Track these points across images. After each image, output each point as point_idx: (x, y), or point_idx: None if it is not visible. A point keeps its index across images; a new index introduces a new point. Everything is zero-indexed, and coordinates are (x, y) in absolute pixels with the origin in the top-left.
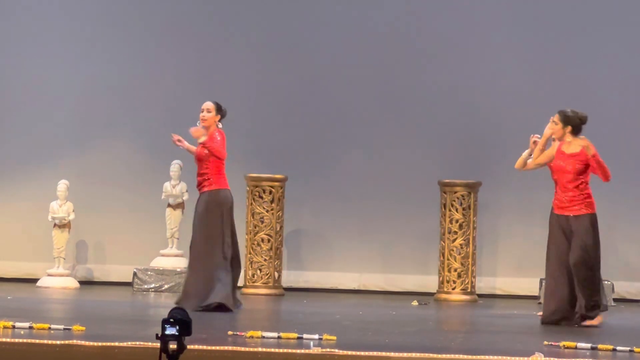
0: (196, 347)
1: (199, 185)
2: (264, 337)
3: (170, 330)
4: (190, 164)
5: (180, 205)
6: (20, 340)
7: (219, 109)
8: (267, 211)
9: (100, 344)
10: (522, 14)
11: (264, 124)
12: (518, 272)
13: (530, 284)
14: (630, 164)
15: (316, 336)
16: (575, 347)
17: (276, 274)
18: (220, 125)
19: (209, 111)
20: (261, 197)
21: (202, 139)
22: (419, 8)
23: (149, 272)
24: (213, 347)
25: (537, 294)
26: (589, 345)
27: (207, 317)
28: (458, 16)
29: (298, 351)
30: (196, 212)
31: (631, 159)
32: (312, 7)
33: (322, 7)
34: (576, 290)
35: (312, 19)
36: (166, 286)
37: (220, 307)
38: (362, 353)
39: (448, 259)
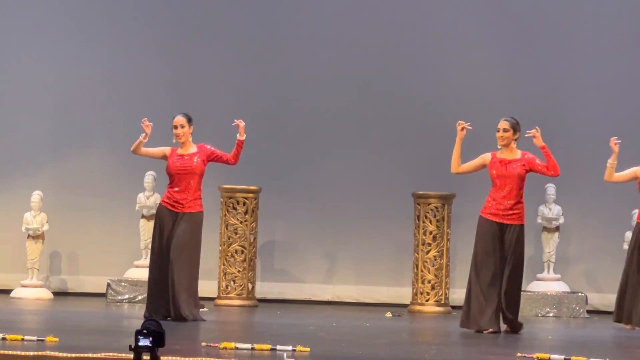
0: (169, 358)
1: (194, 202)
2: (237, 348)
3: (144, 342)
4: (163, 175)
5: (154, 217)
6: None
7: (191, 120)
8: (241, 222)
9: (73, 355)
10: (497, 27)
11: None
12: None
13: None
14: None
15: (290, 347)
16: (549, 359)
17: (250, 286)
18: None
19: (182, 126)
20: (235, 209)
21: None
22: (395, 21)
23: (123, 283)
24: (186, 359)
25: None
26: (562, 357)
27: (180, 328)
28: (433, 30)
29: None
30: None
31: (603, 172)
32: (288, 18)
33: (298, 18)
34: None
35: (288, 31)
36: (140, 297)
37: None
38: None
39: (422, 271)
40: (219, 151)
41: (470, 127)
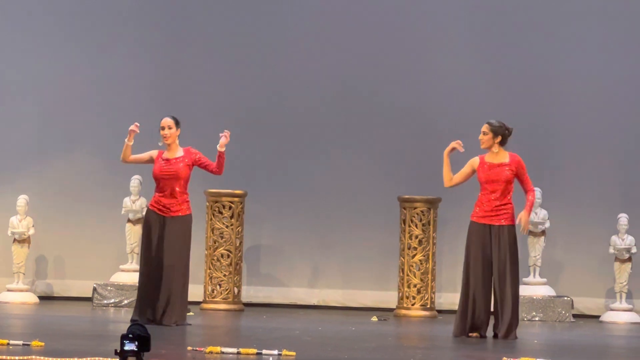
0: None
1: (182, 205)
2: (223, 352)
3: (129, 346)
4: (149, 179)
5: (140, 221)
6: None
7: (178, 123)
8: (227, 227)
9: (59, 359)
10: (481, 32)
11: None
12: None
13: None
14: (589, 181)
15: (275, 352)
16: None
17: (236, 290)
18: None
19: (169, 127)
20: (221, 213)
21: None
22: (381, 25)
23: (109, 287)
24: None
25: None
26: None
27: (166, 332)
28: (418, 35)
29: None
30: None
31: (590, 177)
32: (274, 21)
33: (285, 22)
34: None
35: (274, 35)
36: (126, 301)
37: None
38: None
39: (408, 275)
40: (205, 158)
41: (463, 150)
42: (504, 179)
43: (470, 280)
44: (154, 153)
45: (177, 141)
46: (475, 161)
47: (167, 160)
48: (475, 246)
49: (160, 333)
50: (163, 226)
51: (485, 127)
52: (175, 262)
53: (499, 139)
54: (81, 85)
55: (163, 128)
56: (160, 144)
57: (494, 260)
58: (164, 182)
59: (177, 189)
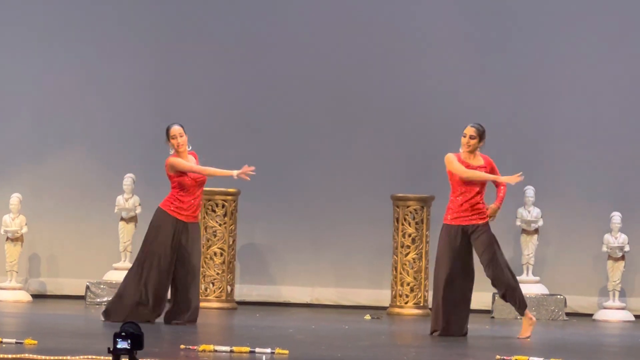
0: None
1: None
2: (216, 351)
3: (122, 344)
4: (143, 177)
5: (133, 219)
6: None
7: (184, 130)
8: (220, 225)
9: (52, 357)
10: (472, 31)
11: (216, 138)
12: None
13: (482, 297)
14: (582, 180)
15: (268, 350)
16: None
17: (229, 288)
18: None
19: (181, 135)
20: (214, 211)
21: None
22: (371, 26)
23: (102, 286)
24: None
25: (490, 308)
26: (541, 359)
27: (159, 330)
28: (410, 33)
29: None
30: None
31: (583, 175)
32: (266, 22)
33: (277, 22)
34: None
35: (267, 35)
36: None
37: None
38: None
39: (401, 273)
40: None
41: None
42: (481, 181)
43: (439, 285)
44: (177, 156)
45: (187, 147)
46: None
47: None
48: (448, 249)
49: (153, 331)
50: (180, 232)
51: (473, 131)
52: (197, 269)
53: (482, 143)
54: (75, 84)
55: (175, 137)
56: (171, 151)
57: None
58: (194, 188)
59: (201, 193)
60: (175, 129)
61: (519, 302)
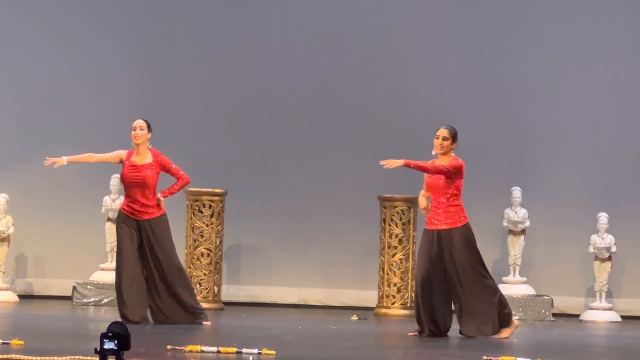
0: None
1: (152, 208)
2: (203, 351)
3: (109, 345)
4: None
5: None
6: None
7: (150, 127)
8: (207, 225)
9: (39, 358)
10: (459, 32)
11: (204, 139)
12: None
13: None
14: (569, 181)
15: (255, 351)
16: None
17: (216, 288)
18: (150, 145)
19: (141, 129)
20: (201, 212)
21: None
22: (357, 29)
23: (89, 286)
24: None
25: None
26: None
27: (146, 331)
28: (395, 34)
29: None
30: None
31: (570, 176)
32: (253, 23)
33: (263, 24)
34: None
35: (254, 35)
36: (106, 300)
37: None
38: None
39: (388, 274)
40: (175, 167)
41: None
42: (439, 184)
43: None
44: (122, 154)
45: (147, 144)
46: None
47: (135, 166)
48: (424, 255)
49: (140, 332)
50: (139, 229)
51: (446, 133)
52: (175, 268)
53: (455, 145)
54: (60, 84)
55: (134, 129)
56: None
57: (445, 266)
58: (132, 188)
59: (147, 193)
60: (136, 122)
61: None
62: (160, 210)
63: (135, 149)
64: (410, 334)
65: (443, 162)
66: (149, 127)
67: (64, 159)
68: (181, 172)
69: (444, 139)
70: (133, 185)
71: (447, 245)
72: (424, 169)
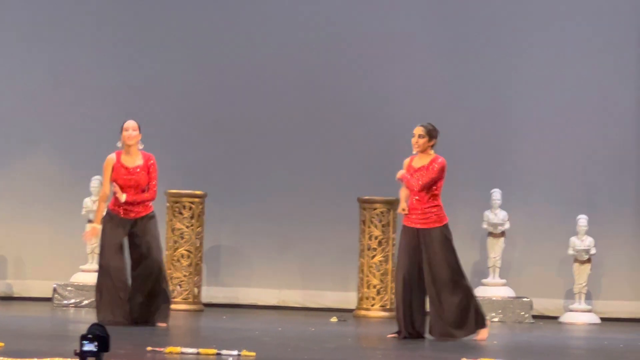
0: None
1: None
2: (183, 353)
3: (89, 347)
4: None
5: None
6: None
7: (140, 128)
8: (187, 227)
9: None
10: (440, 34)
11: (184, 140)
12: None
13: None
14: (549, 183)
15: (235, 352)
16: None
17: (196, 290)
18: (142, 146)
19: (134, 130)
20: (181, 213)
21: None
22: (339, 27)
23: (69, 288)
24: None
25: None
26: None
27: (125, 332)
28: (378, 35)
29: None
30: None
31: (549, 178)
32: (231, 23)
33: (242, 23)
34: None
35: (232, 35)
36: (86, 302)
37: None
38: None
39: (367, 276)
40: (154, 183)
41: (405, 213)
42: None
43: (397, 288)
44: (112, 160)
45: (138, 146)
46: (406, 163)
47: (127, 169)
48: (403, 251)
49: (120, 333)
50: (130, 227)
51: (421, 130)
52: (159, 265)
53: (433, 142)
54: (39, 85)
55: (127, 129)
56: (119, 144)
57: (422, 265)
58: (124, 189)
59: (140, 192)
60: (128, 123)
61: None
62: (151, 208)
63: (126, 149)
64: (389, 336)
65: (423, 161)
66: (139, 128)
67: (96, 226)
68: (155, 188)
69: (420, 136)
70: (126, 186)
71: (425, 243)
72: (410, 188)
